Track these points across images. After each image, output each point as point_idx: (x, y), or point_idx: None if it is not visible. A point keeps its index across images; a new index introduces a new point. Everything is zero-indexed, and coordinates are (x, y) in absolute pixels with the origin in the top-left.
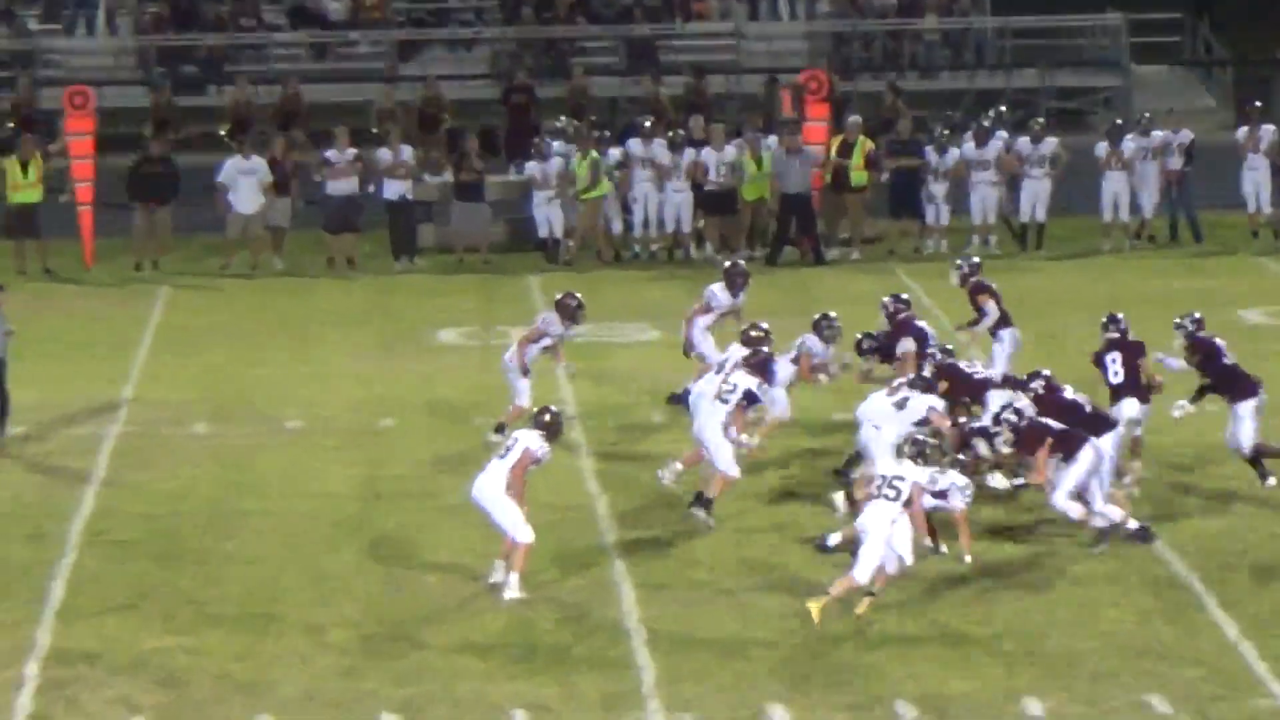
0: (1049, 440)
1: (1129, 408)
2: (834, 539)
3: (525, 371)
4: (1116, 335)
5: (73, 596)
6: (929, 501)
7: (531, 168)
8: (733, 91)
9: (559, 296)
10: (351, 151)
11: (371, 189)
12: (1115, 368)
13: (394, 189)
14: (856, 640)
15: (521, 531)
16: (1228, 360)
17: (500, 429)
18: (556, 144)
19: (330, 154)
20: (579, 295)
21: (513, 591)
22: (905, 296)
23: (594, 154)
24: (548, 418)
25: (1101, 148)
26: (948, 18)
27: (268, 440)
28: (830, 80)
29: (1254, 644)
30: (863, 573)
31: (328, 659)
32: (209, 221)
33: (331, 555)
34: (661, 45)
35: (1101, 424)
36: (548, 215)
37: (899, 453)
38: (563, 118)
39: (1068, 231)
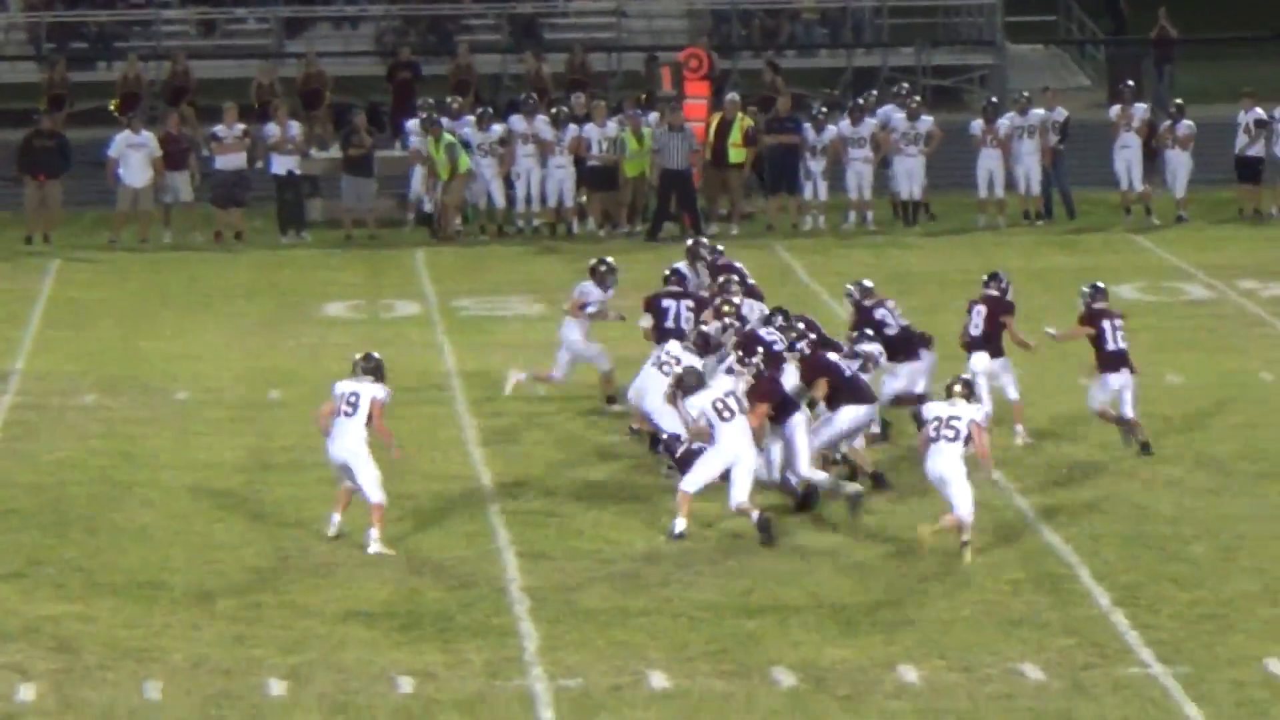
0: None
1: (978, 360)
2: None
3: (586, 337)
4: (993, 293)
5: None
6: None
7: (415, 142)
8: (614, 69)
9: (591, 263)
10: (239, 127)
11: (259, 164)
12: (977, 320)
13: (282, 164)
14: (735, 609)
15: (377, 492)
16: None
17: (611, 400)
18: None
19: (218, 129)
20: (609, 259)
21: (375, 546)
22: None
23: (447, 137)
24: (373, 363)
25: (977, 125)
26: None
27: (156, 412)
28: (710, 58)
29: (1125, 613)
30: (966, 511)
31: (216, 626)
32: (98, 195)
33: (219, 525)
34: (545, 22)
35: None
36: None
37: (949, 393)
38: (425, 100)
39: (944, 208)
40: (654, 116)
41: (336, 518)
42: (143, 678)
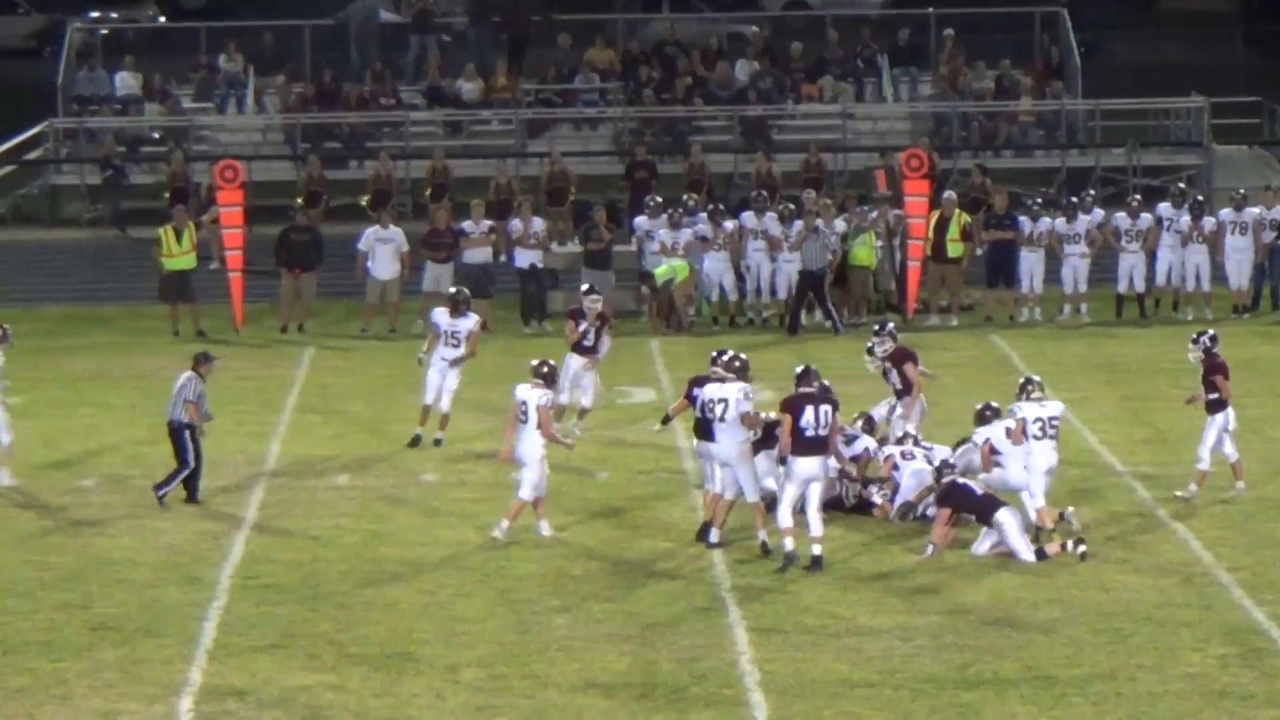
0: None
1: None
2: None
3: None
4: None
5: (224, 636)
6: None
7: (662, 236)
8: (841, 168)
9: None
10: (486, 223)
11: (504, 258)
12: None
13: (525, 257)
14: (954, 681)
15: (526, 491)
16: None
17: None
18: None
19: (466, 225)
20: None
21: (548, 531)
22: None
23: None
24: (546, 369)
25: (1185, 221)
26: (1041, 100)
27: (405, 493)
28: (930, 157)
29: None
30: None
31: (461, 697)
32: (351, 288)
33: (464, 600)
34: (774, 124)
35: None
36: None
37: (1026, 394)
38: (685, 195)
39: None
40: (874, 214)
41: (505, 524)
42: None
